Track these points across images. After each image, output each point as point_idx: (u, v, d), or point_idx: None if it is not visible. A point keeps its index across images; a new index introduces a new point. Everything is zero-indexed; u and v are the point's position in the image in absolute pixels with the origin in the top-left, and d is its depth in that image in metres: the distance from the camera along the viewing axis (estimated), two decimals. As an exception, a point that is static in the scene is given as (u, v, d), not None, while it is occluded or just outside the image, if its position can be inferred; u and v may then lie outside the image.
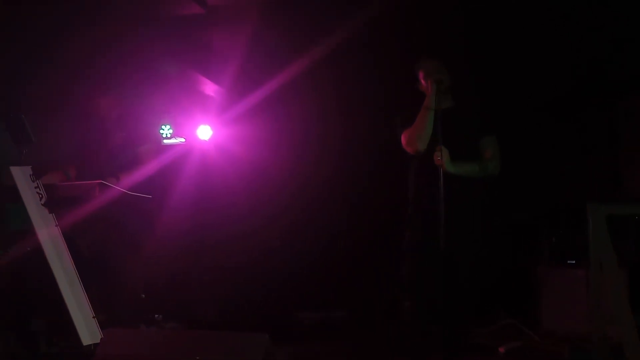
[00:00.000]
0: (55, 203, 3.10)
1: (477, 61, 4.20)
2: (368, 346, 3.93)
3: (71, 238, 3.20)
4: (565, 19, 4.02)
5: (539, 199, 4.56)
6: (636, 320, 2.44)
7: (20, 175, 3.07)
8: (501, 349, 3.73)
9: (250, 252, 4.79)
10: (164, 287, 4.26)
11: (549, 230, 4.40)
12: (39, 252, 3.01)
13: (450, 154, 2.94)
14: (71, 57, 3.87)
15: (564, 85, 4.44)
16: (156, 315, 3.89)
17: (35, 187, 3.08)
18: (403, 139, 3.15)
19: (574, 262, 4.15)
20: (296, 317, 4.54)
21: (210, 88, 5.06)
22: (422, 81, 3.16)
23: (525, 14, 4.04)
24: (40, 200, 3.07)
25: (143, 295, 3.54)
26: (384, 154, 3.28)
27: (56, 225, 3.08)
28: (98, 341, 2.91)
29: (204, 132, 4.90)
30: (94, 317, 3.03)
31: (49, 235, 3.04)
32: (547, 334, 4.04)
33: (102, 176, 3.28)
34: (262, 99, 4.68)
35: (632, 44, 4.07)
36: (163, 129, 4.70)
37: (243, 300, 4.60)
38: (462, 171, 3.00)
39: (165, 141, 4.65)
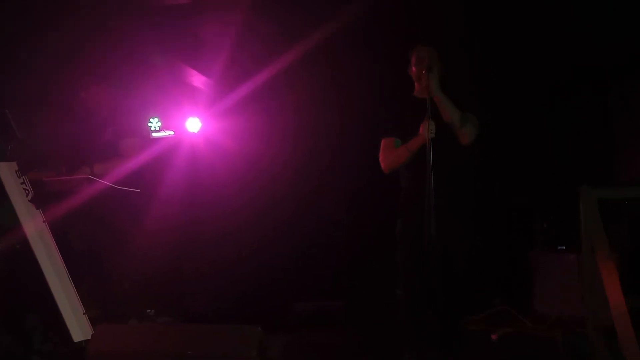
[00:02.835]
0: (42, 199, 3.05)
1: (471, 47, 4.18)
2: (364, 336, 3.94)
3: (60, 233, 3.16)
4: (560, 3, 4.00)
5: (531, 185, 4.57)
6: (628, 304, 2.44)
7: (6, 171, 3.02)
8: (493, 336, 3.75)
9: (244, 244, 4.77)
10: (156, 281, 4.23)
11: (541, 216, 4.41)
12: (27, 248, 2.97)
13: (437, 142, 2.91)
14: (56, 49, 3.81)
15: (558, 70, 4.43)
16: (148, 310, 3.87)
17: (22, 183, 3.04)
18: (380, 155, 3.15)
19: (564, 247, 4.17)
20: (292, 307, 4.54)
21: (199, 80, 5.01)
22: (414, 67, 3.14)
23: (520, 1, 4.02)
24: (27, 196, 3.02)
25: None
26: (378, 143, 3.26)
27: (44, 221, 3.04)
28: (89, 337, 2.88)
29: (193, 125, 4.87)
30: (84, 313, 3.00)
31: (36, 231, 3.00)
32: (540, 319, 4.06)
33: (75, 167, 3.24)
34: (253, 90, 4.64)
35: (627, 28, 4.06)
36: (151, 122, 4.65)
37: (238, 292, 4.59)
38: (446, 103, 2.99)
39: (154, 134, 4.61)
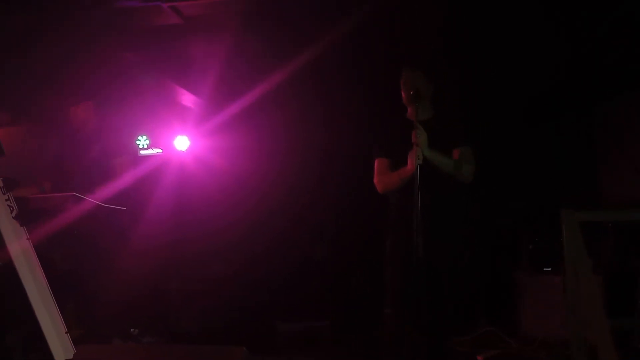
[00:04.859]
0: (26, 216, 3.02)
1: (458, 69, 4.25)
2: (351, 355, 3.92)
3: (44, 251, 3.12)
4: (542, 27, 4.09)
5: (517, 207, 4.60)
6: (612, 325, 2.46)
7: (-9, 188, 2.99)
8: (480, 357, 3.75)
9: (231, 264, 4.75)
10: (141, 301, 4.18)
11: (527, 238, 4.44)
12: (10, 266, 2.93)
13: (427, 163, 2.94)
14: (44, 66, 3.81)
15: (541, 93, 4.51)
16: (132, 330, 3.82)
17: (6, 200, 3.00)
18: (375, 177, 3.19)
19: (549, 269, 4.20)
20: (278, 328, 4.51)
21: (188, 99, 5.03)
22: (403, 93, 3.18)
23: (504, 22, 4.09)
24: (11, 213, 2.99)
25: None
26: (366, 162, 3.29)
27: (28, 239, 3.00)
28: (71, 357, 2.84)
29: (182, 143, 4.88)
30: (66, 332, 2.95)
31: (20, 248, 2.96)
32: (526, 340, 4.06)
33: (60, 186, 3.23)
34: (241, 109, 4.67)
35: (607, 50, 4.15)
36: (140, 140, 4.66)
37: (224, 312, 4.55)
38: (436, 159, 3.00)
39: (142, 152, 4.61)
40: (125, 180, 3.43)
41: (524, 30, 4.06)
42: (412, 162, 2.90)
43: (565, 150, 4.65)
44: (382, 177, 3.17)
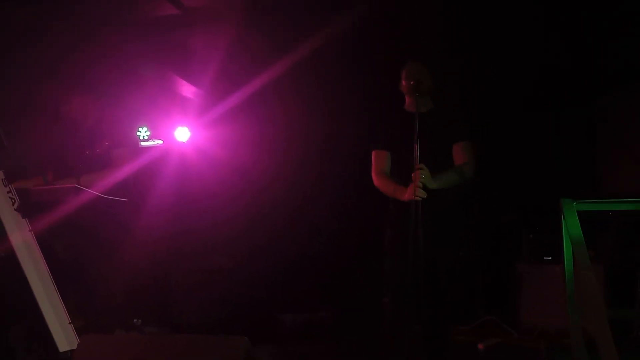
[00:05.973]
0: (28, 208, 3.04)
1: (457, 63, 4.24)
2: (352, 347, 3.94)
3: (46, 243, 3.15)
4: (543, 21, 4.08)
5: (517, 197, 4.61)
6: (613, 315, 2.48)
7: (-8, 180, 3.00)
8: (480, 346, 3.78)
9: (232, 255, 4.77)
10: (143, 291, 4.21)
11: (527, 228, 4.45)
12: (12, 257, 2.96)
13: (426, 158, 2.92)
14: (44, 58, 3.81)
15: (541, 86, 4.50)
16: (135, 320, 3.85)
17: (8, 192, 3.02)
18: (373, 170, 3.19)
19: (550, 258, 4.21)
20: (279, 319, 4.54)
21: (188, 90, 5.03)
22: (404, 82, 3.17)
23: (504, 16, 4.08)
24: (13, 205, 3.01)
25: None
26: (367, 157, 3.29)
27: (30, 230, 3.03)
28: (75, 347, 2.86)
29: (182, 134, 4.88)
30: (70, 323, 2.98)
31: (22, 240, 2.99)
32: (526, 329, 4.09)
33: (62, 177, 3.24)
34: (242, 100, 4.66)
35: (606, 44, 4.15)
36: (140, 131, 4.66)
37: (226, 302, 4.58)
38: (442, 184, 2.97)
39: (143, 143, 4.61)
40: (126, 171, 3.44)
41: (524, 25, 4.05)
42: (411, 194, 2.86)
43: (565, 142, 4.65)
44: (379, 178, 3.16)
